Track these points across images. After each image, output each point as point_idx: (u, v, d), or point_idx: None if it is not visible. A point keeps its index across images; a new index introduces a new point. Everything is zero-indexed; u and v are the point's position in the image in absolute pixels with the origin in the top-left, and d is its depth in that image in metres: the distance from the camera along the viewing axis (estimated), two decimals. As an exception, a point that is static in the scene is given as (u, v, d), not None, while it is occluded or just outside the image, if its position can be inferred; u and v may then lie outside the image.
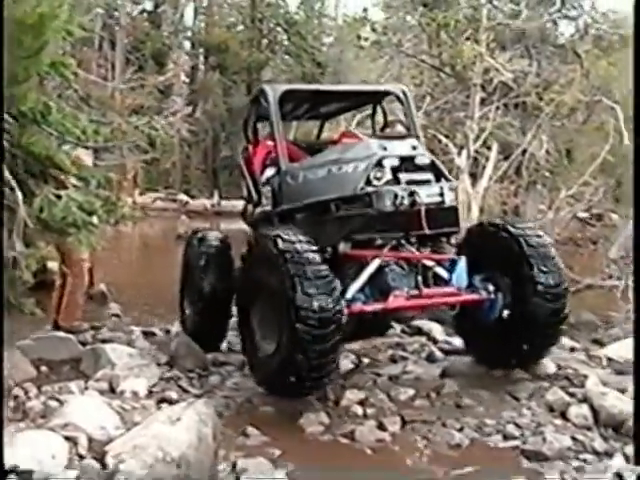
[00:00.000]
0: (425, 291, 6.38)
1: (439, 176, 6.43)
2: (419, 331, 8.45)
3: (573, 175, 16.18)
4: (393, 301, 6.22)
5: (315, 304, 5.53)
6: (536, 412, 5.99)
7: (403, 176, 6.29)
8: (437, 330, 8.42)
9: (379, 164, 6.27)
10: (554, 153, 17.10)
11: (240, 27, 38.12)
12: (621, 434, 5.61)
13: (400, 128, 7.51)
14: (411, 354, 7.74)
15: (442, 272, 6.57)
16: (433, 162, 6.47)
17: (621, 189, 18.48)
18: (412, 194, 6.13)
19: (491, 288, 6.54)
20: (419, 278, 6.39)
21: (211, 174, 35.47)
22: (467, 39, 15.11)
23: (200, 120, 30.00)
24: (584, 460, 5.25)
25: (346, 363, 7.25)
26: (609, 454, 5.35)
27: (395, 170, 6.28)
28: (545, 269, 6.34)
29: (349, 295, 6.10)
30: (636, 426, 3.68)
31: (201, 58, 38.06)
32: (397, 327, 8.32)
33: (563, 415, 5.88)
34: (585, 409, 5.86)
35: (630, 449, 5.27)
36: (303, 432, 5.74)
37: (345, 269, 6.27)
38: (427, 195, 6.21)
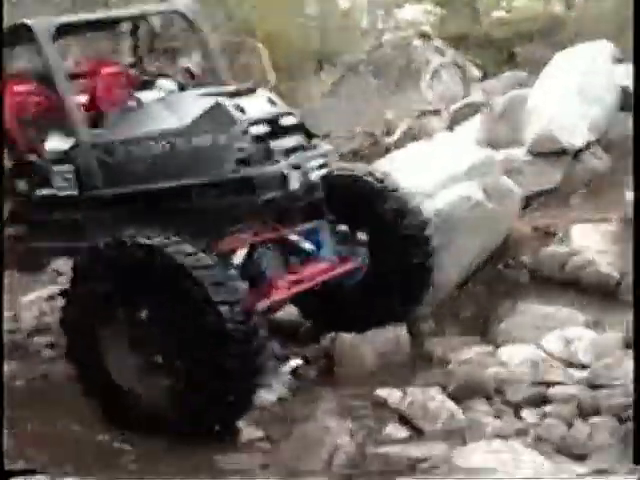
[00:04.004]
0: (303, 273, 5.40)
1: (307, 136, 5.36)
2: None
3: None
4: (276, 293, 5.13)
5: (233, 294, 4.44)
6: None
7: (275, 145, 5.06)
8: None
9: (244, 133, 4.98)
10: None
11: None
12: (297, 340, 6.13)
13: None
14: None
15: (307, 245, 5.62)
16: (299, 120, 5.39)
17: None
18: (306, 173, 5.06)
19: (363, 251, 5.69)
20: (292, 258, 5.48)
21: None
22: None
23: None
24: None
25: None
26: (288, 358, 5.81)
27: (259, 136, 5.05)
28: (408, 214, 5.66)
29: None
30: (636, 425, 3.95)
31: None
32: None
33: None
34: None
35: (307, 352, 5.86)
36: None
37: None
38: (316, 166, 5.20)
